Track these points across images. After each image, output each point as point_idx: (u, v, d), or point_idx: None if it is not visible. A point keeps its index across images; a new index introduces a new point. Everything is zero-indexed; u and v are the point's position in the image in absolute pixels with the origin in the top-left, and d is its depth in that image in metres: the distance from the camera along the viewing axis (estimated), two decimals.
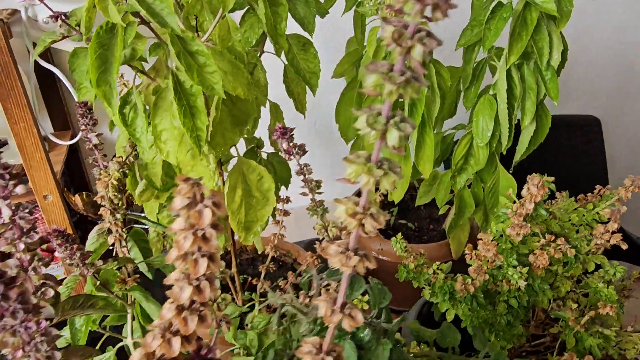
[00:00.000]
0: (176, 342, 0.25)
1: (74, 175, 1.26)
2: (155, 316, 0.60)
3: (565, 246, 0.46)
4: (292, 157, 0.47)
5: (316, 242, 0.61)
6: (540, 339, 0.60)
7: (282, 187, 0.72)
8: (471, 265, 0.54)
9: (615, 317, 0.55)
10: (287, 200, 0.70)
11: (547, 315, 0.61)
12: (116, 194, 0.59)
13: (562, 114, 1.62)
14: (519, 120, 0.80)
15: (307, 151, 0.48)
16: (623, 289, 0.58)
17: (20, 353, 0.29)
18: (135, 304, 0.61)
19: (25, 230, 0.34)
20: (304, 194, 0.53)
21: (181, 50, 0.49)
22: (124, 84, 0.76)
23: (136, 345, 0.62)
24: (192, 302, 0.24)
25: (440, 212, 0.98)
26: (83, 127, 0.62)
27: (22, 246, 0.33)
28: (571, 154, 1.58)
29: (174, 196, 0.22)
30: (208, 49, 0.55)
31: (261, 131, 0.72)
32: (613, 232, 0.49)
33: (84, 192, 1.13)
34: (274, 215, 0.73)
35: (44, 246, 1.13)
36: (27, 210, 0.33)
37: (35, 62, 1.02)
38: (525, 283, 0.47)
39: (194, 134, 0.55)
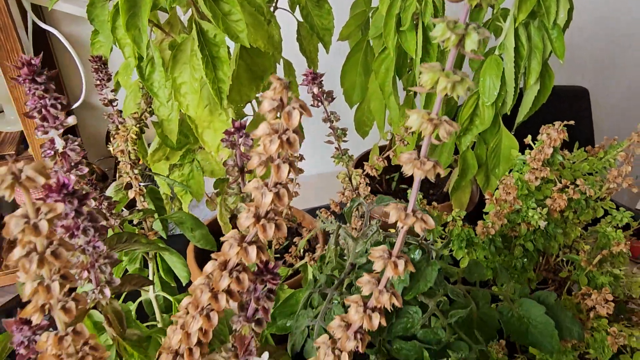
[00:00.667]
0: (252, 250, 0.25)
1: None
2: (177, 269, 0.60)
3: (584, 186, 0.48)
4: (320, 103, 0.47)
5: (318, 210, 0.62)
6: (547, 283, 0.63)
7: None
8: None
9: (621, 260, 0.58)
10: (301, 157, 0.71)
11: (555, 263, 0.64)
12: (135, 147, 0.59)
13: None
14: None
15: (335, 97, 0.48)
16: (628, 236, 0.61)
17: (85, 274, 0.29)
18: (158, 258, 0.61)
19: (74, 163, 0.34)
20: (330, 142, 0.54)
21: None
22: (163, 38, 0.75)
23: (158, 298, 0.63)
24: (267, 212, 0.25)
25: (443, 175, 1.00)
26: (97, 82, 0.61)
27: (73, 178, 0.34)
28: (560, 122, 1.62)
29: (261, 100, 0.22)
30: None
31: None
32: (626, 175, 0.51)
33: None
34: None
35: None
36: (76, 143, 0.34)
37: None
38: (546, 223, 0.49)
39: (216, 86, 0.55)
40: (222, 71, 0.54)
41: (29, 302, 0.24)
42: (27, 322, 0.28)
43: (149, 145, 0.78)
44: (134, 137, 0.59)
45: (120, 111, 0.62)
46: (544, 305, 0.43)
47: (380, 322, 0.26)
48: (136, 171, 0.62)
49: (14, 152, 0.98)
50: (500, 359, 0.44)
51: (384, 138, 0.98)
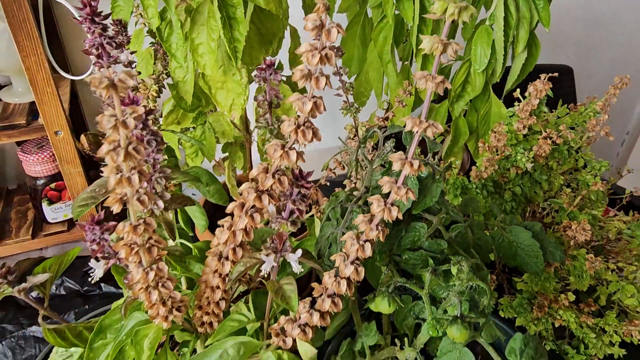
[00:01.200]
0: (293, 154, 0.31)
1: (74, 120, 1.27)
2: (196, 218, 0.65)
3: (566, 131, 0.54)
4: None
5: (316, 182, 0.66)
6: None
7: None
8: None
9: (600, 205, 0.64)
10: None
11: (540, 213, 0.70)
12: (155, 103, 0.64)
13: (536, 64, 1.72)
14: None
15: (344, 53, 0.53)
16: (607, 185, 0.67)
17: (145, 185, 0.34)
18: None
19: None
20: (339, 95, 0.59)
21: None
22: (140, 14, 0.79)
23: (177, 245, 0.68)
24: (305, 120, 0.31)
25: (437, 141, 1.06)
26: (117, 45, 0.65)
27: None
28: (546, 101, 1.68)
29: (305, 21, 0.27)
30: None
31: (280, 55, 0.77)
32: (603, 124, 0.57)
33: (88, 132, 1.15)
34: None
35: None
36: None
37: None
38: (532, 164, 0.55)
39: (232, 45, 0.60)
40: (238, 31, 0.59)
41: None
42: (99, 222, 0.33)
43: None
44: (154, 94, 0.64)
45: (139, 72, 0.67)
46: (532, 233, 0.50)
47: (397, 216, 0.31)
48: (155, 127, 0.66)
49: (24, 122, 1.01)
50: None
51: (380, 107, 1.03)
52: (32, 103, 1.07)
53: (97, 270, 0.34)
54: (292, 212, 0.34)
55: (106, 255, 0.34)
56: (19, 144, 1.15)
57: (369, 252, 0.32)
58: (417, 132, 0.30)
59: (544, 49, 1.86)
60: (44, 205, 1.12)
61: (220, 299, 0.39)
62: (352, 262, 0.33)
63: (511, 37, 0.83)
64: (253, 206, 0.33)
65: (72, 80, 1.18)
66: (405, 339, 0.40)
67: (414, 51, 0.82)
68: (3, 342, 0.94)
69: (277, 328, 0.37)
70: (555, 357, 0.82)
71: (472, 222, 0.48)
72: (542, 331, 0.64)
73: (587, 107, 0.68)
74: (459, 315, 0.34)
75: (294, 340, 0.36)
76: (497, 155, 0.57)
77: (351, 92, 0.57)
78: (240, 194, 0.33)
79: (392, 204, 0.31)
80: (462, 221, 0.42)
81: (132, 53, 0.66)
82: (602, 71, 1.85)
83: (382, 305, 0.38)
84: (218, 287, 0.38)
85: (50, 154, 1.10)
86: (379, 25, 0.83)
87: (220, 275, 0.37)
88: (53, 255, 1.18)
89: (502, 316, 0.61)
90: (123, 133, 0.26)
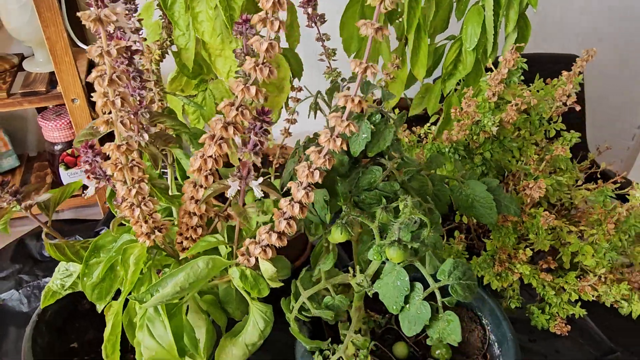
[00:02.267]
0: (253, 89, 0.36)
1: (91, 89, 1.34)
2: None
3: (530, 97, 0.58)
4: (314, 24, 0.57)
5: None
6: None
7: None
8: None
9: (569, 174, 0.68)
10: (300, 89, 0.81)
11: (515, 183, 0.74)
12: (158, 67, 0.70)
13: (544, 52, 1.73)
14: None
15: (326, 20, 0.58)
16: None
17: (131, 118, 0.40)
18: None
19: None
20: (322, 60, 0.64)
21: None
22: None
23: None
24: (264, 60, 0.36)
25: (431, 120, 1.10)
26: (127, 12, 0.71)
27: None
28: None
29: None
30: None
31: None
32: (569, 95, 0.61)
33: None
34: (286, 105, 0.84)
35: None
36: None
37: None
38: (497, 128, 0.59)
39: (227, 13, 0.66)
40: (234, 1, 0.64)
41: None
42: (91, 146, 0.39)
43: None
44: (157, 58, 0.70)
45: (145, 38, 0.73)
46: (488, 187, 0.54)
47: (342, 146, 0.37)
48: (158, 88, 0.72)
49: (44, 89, 1.09)
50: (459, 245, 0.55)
51: (378, 84, 1.08)
52: (52, 73, 1.14)
53: (90, 187, 0.40)
54: (255, 145, 0.39)
55: (98, 176, 0.40)
56: (39, 111, 1.23)
57: (317, 178, 0.37)
58: (358, 72, 0.35)
59: (554, 38, 1.87)
60: (61, 169, 1.20)
61: (197, 226, 0.45)
62: (304, 188, 0.38)
63: (501, 17, 0.87)
64: (221, 137, 0.38)
65: None
66: (358, 267, 0.45)
67: (406, 29, 0.86)
68: (20, 291, 1.02)
69: (243, 249, 0.42)
70: (522, 316, 0.87)
71: (434, 175, 0.53)
72: (508, 290, 0.69)
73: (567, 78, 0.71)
74: (396, 239, 0.39)
75: (257, 260, 0.42)
76: (469, 120, 0.62)
77: (334, 58, 0.62)
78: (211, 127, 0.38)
79: (337, 136, 0.36)
80: (415, 167, 0.47)
81: (139, 21, 0.73)
82: (612, 62, 1.85)
83: (336, 234, 0.43)
84: (194, 214, 0.44)
85: (68, 121, 1.17)
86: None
87: (196, 201, 0.43)
88: (69, 217, 1.25)
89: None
90: (108, 61, 0.32)
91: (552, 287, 0.64)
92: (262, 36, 0.34)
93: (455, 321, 0.38)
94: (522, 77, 0.67)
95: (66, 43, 1.01)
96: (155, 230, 0.43)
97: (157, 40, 0.73)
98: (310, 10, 0.56)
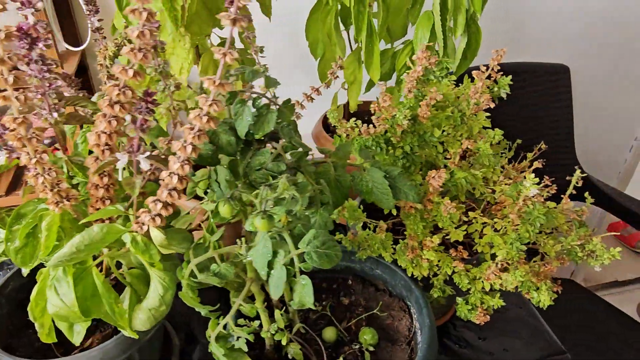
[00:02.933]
0: (130, 71, 0.41)
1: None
2: None
3: (437, 93, 0.62)
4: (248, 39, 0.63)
5: None
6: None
7: None
8: None
9: (491, 170, 0.71)
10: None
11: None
12: (112, 62, 0.76)
13: (530, 61, 1.75)
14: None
15: (255, 37, 0.63)
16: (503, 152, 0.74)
17: (29, 96, 0.45)
18: None
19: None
20: (250, 55, 0.69)
21: None
22: None
23: None
24: (141, 46, 0.41)
25: None
26: (88, 13, 0.78)
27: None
28: (537, 98, 1.71)
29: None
30: None
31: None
32: (482, 92, 0.64)
33: None
34: None
35: None
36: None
37: None
38: (408, 122, 0.63)
39: (172, 14, 0.71)
40: (177, 2, 0.70)
41: None
42: (4, 127, 0.44)
43: None
44: (111, 54, 0.76)
45: (105, 37, 0.79)
46: (390, 175, 0.58)
47: (209, 124, 0.41)
48: (112, 82, 0.78)
49: None
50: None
51: (342, 87, 1.12)
52: None
53: (1, 157, 0.45)
54: (141, 123, 0.44)
55: (8, 147, 0.46)
56: None
57: (189, 152, 0.42)
58: (221, 60, 0.40)
59: (541, 47, 1.88)
60: None
61: (105, 198, 0.50)
62: (181, 162, 0.43)
63: (449, 22, 0.90)
64: (114, 116, 0.43)
65: (82, 54, 1.34)
66: (244, 239, 0.49)
67: (355, 33, 0.90)
68: None
69: (137, 218, 0.47)
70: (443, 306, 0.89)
71: (337, 162, 0.57)
72: (433, 281, 0.72)
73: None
74: (262, 210, 0.43)
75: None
76: (387, 114, 0.66)
77: (262, 54, 0.67)
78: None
79: (206, 114, 0.41)
80: (306, 149, 0.51)
81: (98, 20, 0.79)
82: (601, 71, 1.85)
83: (222, 209, 0.47)
84: (98, 185, 0.49)
85: None
86: (326, 8, 0.92)
87: (99, 175, 0.48)
88: None
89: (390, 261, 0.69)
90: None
91: (467, 277, 0.67)
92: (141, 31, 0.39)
93: (308, 284, 0.42)
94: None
95: (53, 53, 1.09)
96: (64, 200, 0.48)
97: (115, 38, 0.80)
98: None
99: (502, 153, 0.82)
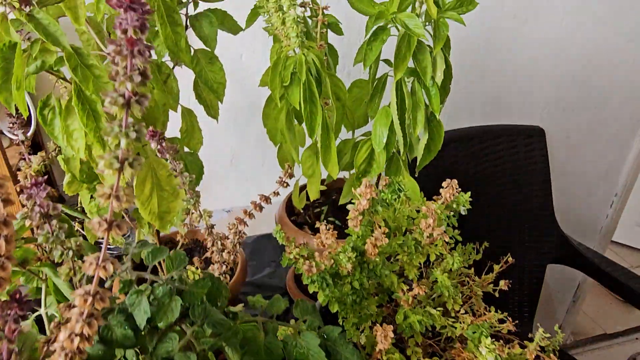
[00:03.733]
0: None
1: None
2: (64, 290, 0.69)
3: (384, 227, 0.55)
4: (164, 155, 0.56)
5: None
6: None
7: None
8: None
9: (451, 301, 0.64)
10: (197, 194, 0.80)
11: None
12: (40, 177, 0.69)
13: (505, 124, 1.72)
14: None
15: (178, 151, 0.57)
16: (462, 278, 0.67)
17: None
18: (48, 279, 0.70)
19: None
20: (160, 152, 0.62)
21: (78, 64, 0.59)
22: (65, 87, 0.86)
23: (51, 317, 0.72)
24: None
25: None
26: (10, 125, 0.72)
27: None
28: (513, 161, 1.67)
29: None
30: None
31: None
32: (433, 227, 0.58)
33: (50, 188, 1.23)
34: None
35: None
36: None
37: None
38: (351, 267, 0.56)
39: (97, 134, 0.65)
40: (102, 122, 0.64)
41: None
42: None
43: None
44: (33, 173, 0.69)
45: (31, 147, 0.73)
46: (328, 337, 0.51)
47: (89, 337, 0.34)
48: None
49: None
50: None
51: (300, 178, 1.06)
52: None
53: None
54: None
55: None
56: None
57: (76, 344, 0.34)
58: (103, 240, 0.33)
59: (515, 108, 1.85)
60: None
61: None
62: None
63: (408, 120, 0.85)
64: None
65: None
66: None
67: (308, 132, 0.85)
68: None
69: None
70: None
71: (269, 324, 0.50)
72: None
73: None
74: None
75: None
76: (331, 250, 0.59)
77: (180, 163, 0.60)
78: None
79: (78, 334, 0.34)
80: (233, 334, 0.44)
81: (23, 133, 0.73)
82: (578, 133, 1.83)
83: None
84: None
85: None
86: (276, 107, 0.87)
87: None
88: None
89: None
90: None
91: None
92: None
93: None
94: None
95: None
96: None
97: (42, 152, 0.73)
98: (153, 144, 0.55)
99: (467, 265, 0.75)
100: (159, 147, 0.55)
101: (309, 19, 0.93)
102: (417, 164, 0.94)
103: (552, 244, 1.71)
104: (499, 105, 1.74)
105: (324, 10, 0.84)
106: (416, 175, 0.96)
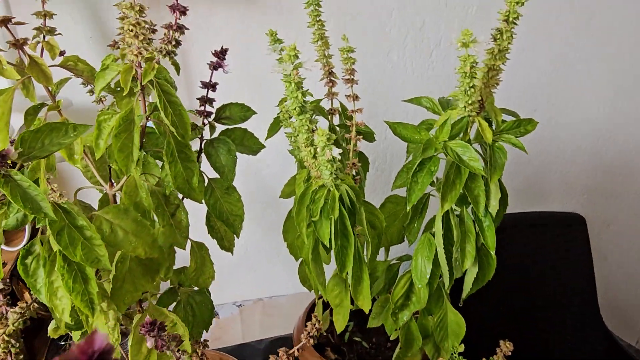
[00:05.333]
0: None
1: None
2: None
3: None
4: (164, 350, 0.43)
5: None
6: None
7: None
8: None
9: None
10: (205, 344, 0.66)
11: None
12: (13, 342, 0.56)
13: (544, 211, 1.58)
14: None
15: (182, 341, 0.44)
16: None
17: None
18: None
19: None
20: None
21: (65, 225, 0.47)
22: None
23: None
24: None
25: (392, 338, 0.92)
26: None
27: None
28: (552, 252, 1.52)
29: None
30: (111, 208, 0.53)
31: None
32: None
33: None
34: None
35: None
36: None
37: None
38: None
39: (85, 297, 0.53)
40: (91, 285, 0.52)
41: None
42: None
43: None
44: (6, 337, 0.57)
45: (9, 303, 0.61)
46: None
47: None
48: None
49: None
50: None
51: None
52: None
53: None
54: None
55: None
56: None
57: None
58: None
59: (555, 195, 1.71)
60: None
61: None
62: None
63: (456, 253, 0.72)
64: None
65: None
66: None
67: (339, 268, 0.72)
68: None
69: None
70: None
71: None
72: None
73: None
74: None
75: None
76: None
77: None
78: None
79: None
80: None
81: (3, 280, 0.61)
82: (620, 220, 1.68)
83: None
84: None
85: None
86: (305, 235, 0.75)
87: None
88: None
89: None
90: None
91: None
92: None
93: None
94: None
95: None
96: None
97: (22, 303, 0.61)
98: (149, 342, 0.43)
99: None
100: (157, 341, 0.43)
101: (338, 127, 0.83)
102: (463, 294, 0.80)
103: (597, 345, 1.53)
104: (536, 190, 1.62)
105: (359, 124, 0.73)
106: (460, 305, 0.83)
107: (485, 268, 0.77)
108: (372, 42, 1.12)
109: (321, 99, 0.83)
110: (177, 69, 0.56)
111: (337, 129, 0.82)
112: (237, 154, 0.65)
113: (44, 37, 0.54)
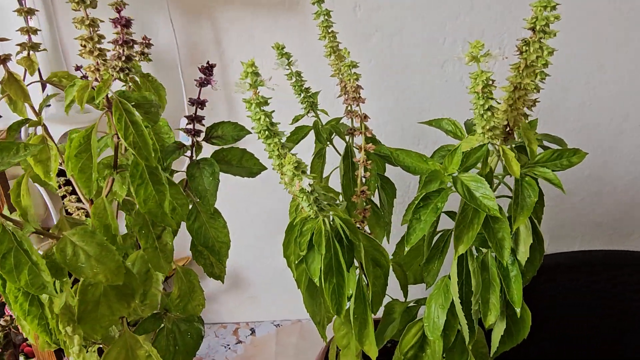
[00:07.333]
0: None
1: None
2: None
3: None
4: None
5: None
6: None
7: None
8: None
9: None
10: None
11: None
12: None
13: (628, 250, 1.35)
14: None
15: None
16: None
17: None
18: None
19: None
20: None
21: (13, 247, 0.45)
22: None
23: None
24: None
25: None
26: None
27: None
28: (615, 295, 1.28)
29: None
30: (78, 230, 0.51)
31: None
32: None
33: None
34: None
35: None
36: None
37: None
38: None
39: (43, 322, 0.51)
40: (46, 311, 0.49)
41: None
42: None
43: None
44: None
45: None
46: None
47: None
48: None
49: None
50: None
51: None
52: None
53: None
54: None
55: None
56: None
57: None
58: None
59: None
60: None
61: None
62: None
63: (476, 305, 0.61)
64: None
65: None
66: None
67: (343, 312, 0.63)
68: None
69: None
70: None
71: None
72: None
73: None
74: None
75: None
76: None
77: None
78: None
79: None
80: None
81: None
82: None
83: None
84: None
85: None
86: (296, 273, 0.67)
87: None
88: None
89: None
90: None
91: None
92: None
93: None
94: None
95: None
96: None
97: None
98: None
99: None
100: None
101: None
102: (491, 353, 0.68)
103: None
104: (616, 226, 1.38)
105: (370, 149, 0.64)
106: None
107: (519, 323, 0.64)
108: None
109: (340, 118, 0.76)
110: (162, 89, 0.53)
111: (355, 151, 0.74)
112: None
113: (28, 52, 0.54)
